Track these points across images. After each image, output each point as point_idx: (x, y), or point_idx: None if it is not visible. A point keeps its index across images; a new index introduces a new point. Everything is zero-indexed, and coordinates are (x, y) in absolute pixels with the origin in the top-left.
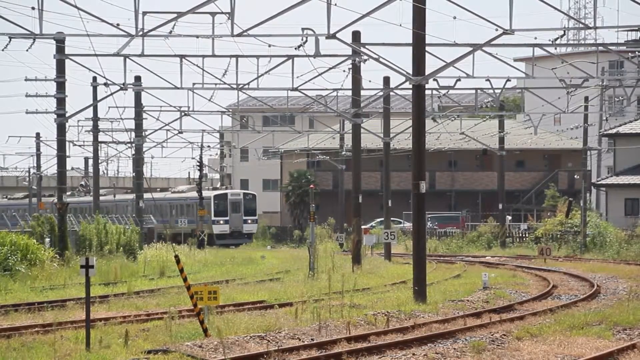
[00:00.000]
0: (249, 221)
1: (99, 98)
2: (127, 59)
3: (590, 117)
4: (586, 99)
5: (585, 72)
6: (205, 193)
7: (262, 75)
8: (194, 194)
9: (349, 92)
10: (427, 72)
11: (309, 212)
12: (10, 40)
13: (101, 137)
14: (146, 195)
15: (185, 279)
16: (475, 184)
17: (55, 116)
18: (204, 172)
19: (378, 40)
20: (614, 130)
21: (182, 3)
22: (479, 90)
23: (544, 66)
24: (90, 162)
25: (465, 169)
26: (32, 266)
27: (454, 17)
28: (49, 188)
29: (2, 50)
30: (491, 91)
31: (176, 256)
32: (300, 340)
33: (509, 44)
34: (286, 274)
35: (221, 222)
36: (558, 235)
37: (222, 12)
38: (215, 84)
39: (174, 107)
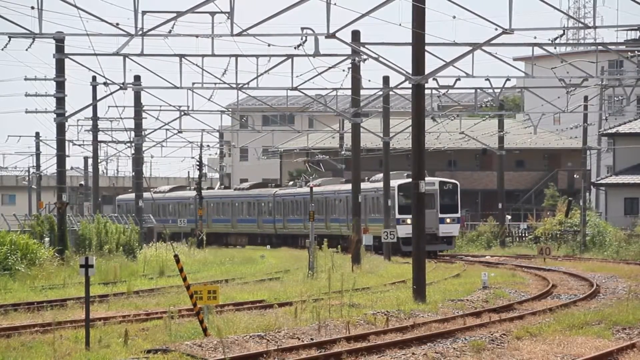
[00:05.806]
0: (448, 220)
1: (98, 97)
2: (127, 59)
3: (589, 117)
4: (585, 98)
5: (585, 72)
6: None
7: (262, 74)
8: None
9: (349, 92)
10: (426, 72)
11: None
12: (10, 39)
13: (101, 136)
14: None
15: (184, 279)
16: (475, 183)
17: (54, 115)
18: (204, 171)
19: (378, 40)
20: (613, 130)
21: (181, 3)
22: (478, 90)
23: (543, 66)
24: (90, 161)
25: (464, 168)
26: (31, 265)
27: (454, 17)
28: (48, 188)
29: (2, 49)
30: (491, 91)
31: (176, 256)
32: (299, 339)
33: (509, 44)
34: (286, 274)
35: (409, 221)
36: (557, 235)
37: (221, 12)
38: (215, 84)
39: (174, 106)
